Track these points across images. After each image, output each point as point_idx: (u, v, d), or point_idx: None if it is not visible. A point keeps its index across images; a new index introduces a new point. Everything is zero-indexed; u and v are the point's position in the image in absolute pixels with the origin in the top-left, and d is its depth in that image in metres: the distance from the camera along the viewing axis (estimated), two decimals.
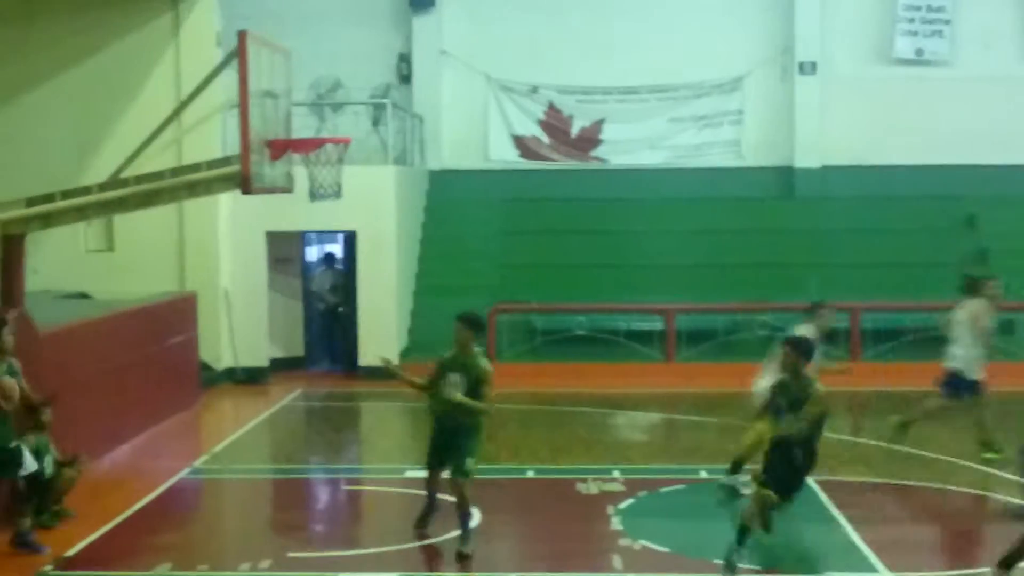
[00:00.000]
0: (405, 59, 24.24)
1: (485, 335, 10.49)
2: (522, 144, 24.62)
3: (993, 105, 23.55)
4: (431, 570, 10.32)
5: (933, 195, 23.30)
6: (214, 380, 19.44)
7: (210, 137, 18.26)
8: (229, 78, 13.32)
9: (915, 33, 23.87)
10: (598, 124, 24.47)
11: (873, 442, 15.09)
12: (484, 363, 10.44)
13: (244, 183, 12.49)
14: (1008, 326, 21.00)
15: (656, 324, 21.18)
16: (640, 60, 24.07)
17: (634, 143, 24.36)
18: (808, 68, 23.85)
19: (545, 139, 24.58)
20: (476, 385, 10.32)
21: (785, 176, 24.17)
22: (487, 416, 10.52)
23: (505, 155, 24.62)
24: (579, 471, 13.40)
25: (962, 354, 13.92)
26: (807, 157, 24.00)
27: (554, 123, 24.53)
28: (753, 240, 22.88)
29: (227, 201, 19.13)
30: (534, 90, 24.45)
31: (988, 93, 23.58)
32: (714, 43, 24.01)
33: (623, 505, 11.88)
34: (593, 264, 22.49)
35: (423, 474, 11.14)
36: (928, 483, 12.84)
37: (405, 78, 24.19)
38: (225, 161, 13.11)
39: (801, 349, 9.86)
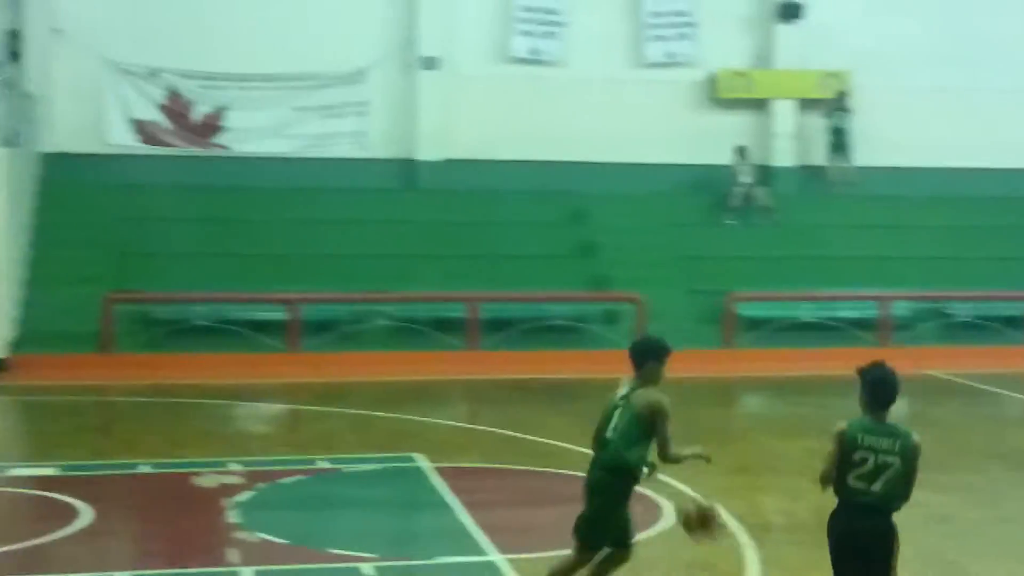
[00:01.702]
0: (16, 36, 23.04)
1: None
2: (142, 129, 23.93)
3: (602, 106, 24.79)
4: (30, 572, 9.88)
5: (547, 190, 24.30)
6: None
7: None
8: None
9: (531, 34, 24.81)
10: (221, 111, 24.10)
11: (487, 428, 15.64)
12: None
13: None
14: (612, 316, 22.23)
15: (279, 314, 21.11)
16: (265, 47, 23.88)
17: (258, 131, 24.14)
18: (430, 63, 24.34)
19: (166, 124, 23.98)
20: None
21: (408, 168, 24.59)
22: None
23: (124, 140, 23.86)
24: (196, 464, 13.21)
25: None
26: (429, 150, 24.50)
27: (175, 108, 23.98)
28: (376, 231, 23.17)
29: None
30: (154, 74, 23.81)
31: (598, 94, 24.80)
32: (340, 34, 24.11)
33: (241, 498, 11.78)
34: (215, 253, 22.17)
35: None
36: (536, 467, 13.42)
37: (15, 56, 22.98)
38: None
39: None
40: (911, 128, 25.33)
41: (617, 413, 8.06)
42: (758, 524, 10.97)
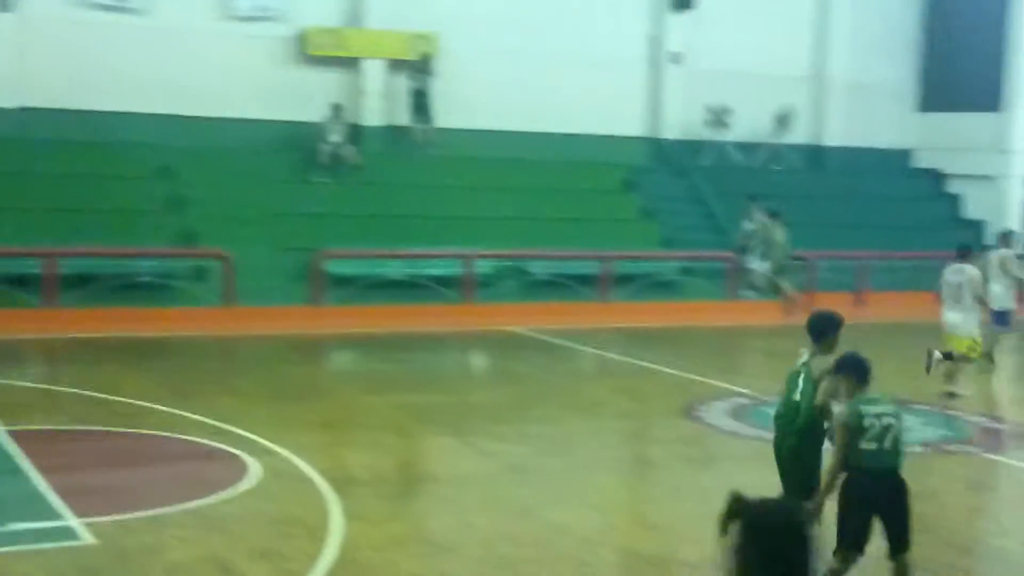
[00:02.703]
0: None
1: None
2: None
3: (189, 57, 24.16)
4: None
5: (131, 142, 23.42)
6: None
7: None
8: None
9: None
10: None
11: (66, 388, 15.04)
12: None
13: None
14: (200, 272, 21.82)
15: None
16: None
17: None
18: (2, 4, 22.92)
19: None
20: None
21: None
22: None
23: None
24: None
25: (1000, 292, 17.49)
26: (4, 97, 23.10)
27: None
28: None
29: None
30: None
31: (184, 45, 24.14)
32: None
33: None
34: None
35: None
36: (118, 427, 13.04)
37: None
38: None
39: None
40: (492, 92, 26.17)
41: (801, 379, 8.67)
42: (343, 478, 11.12)
